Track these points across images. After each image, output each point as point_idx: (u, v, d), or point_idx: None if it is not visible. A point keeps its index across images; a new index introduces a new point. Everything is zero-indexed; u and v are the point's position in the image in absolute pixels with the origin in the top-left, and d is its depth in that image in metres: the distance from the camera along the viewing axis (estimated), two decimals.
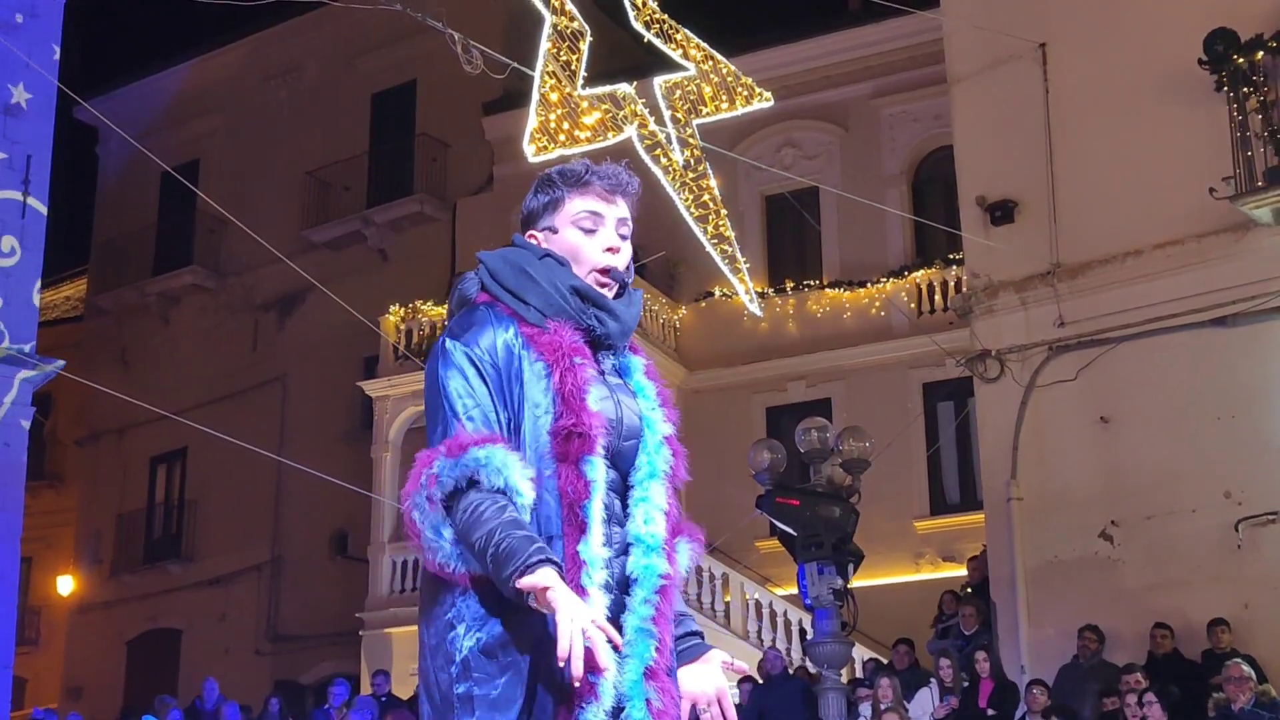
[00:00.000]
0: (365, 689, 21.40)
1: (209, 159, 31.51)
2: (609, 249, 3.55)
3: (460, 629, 3.29)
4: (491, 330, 3.41)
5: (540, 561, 3.08)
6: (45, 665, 31.15)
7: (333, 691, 18.07)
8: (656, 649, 3.34)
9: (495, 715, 3.26)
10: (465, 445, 3.22)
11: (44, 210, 21.73)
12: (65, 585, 31.47)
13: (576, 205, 3.56)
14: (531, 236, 3.60)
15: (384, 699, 18.21)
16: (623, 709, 3.27)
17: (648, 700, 3.29)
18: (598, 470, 3.34)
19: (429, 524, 3.23)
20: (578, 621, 3.05)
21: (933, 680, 14.61)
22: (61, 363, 21.36)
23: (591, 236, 3.56)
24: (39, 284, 21.75)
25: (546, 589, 3.06)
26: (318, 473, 18.91)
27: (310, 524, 27.74)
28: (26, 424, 20.97)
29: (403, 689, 19.66)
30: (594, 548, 3.30)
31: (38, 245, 21.45)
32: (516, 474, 3.21)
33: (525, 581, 3.06)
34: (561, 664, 3.05)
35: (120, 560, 30.72)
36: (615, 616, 3.32)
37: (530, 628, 3.26)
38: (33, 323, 21.43)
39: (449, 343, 3.41)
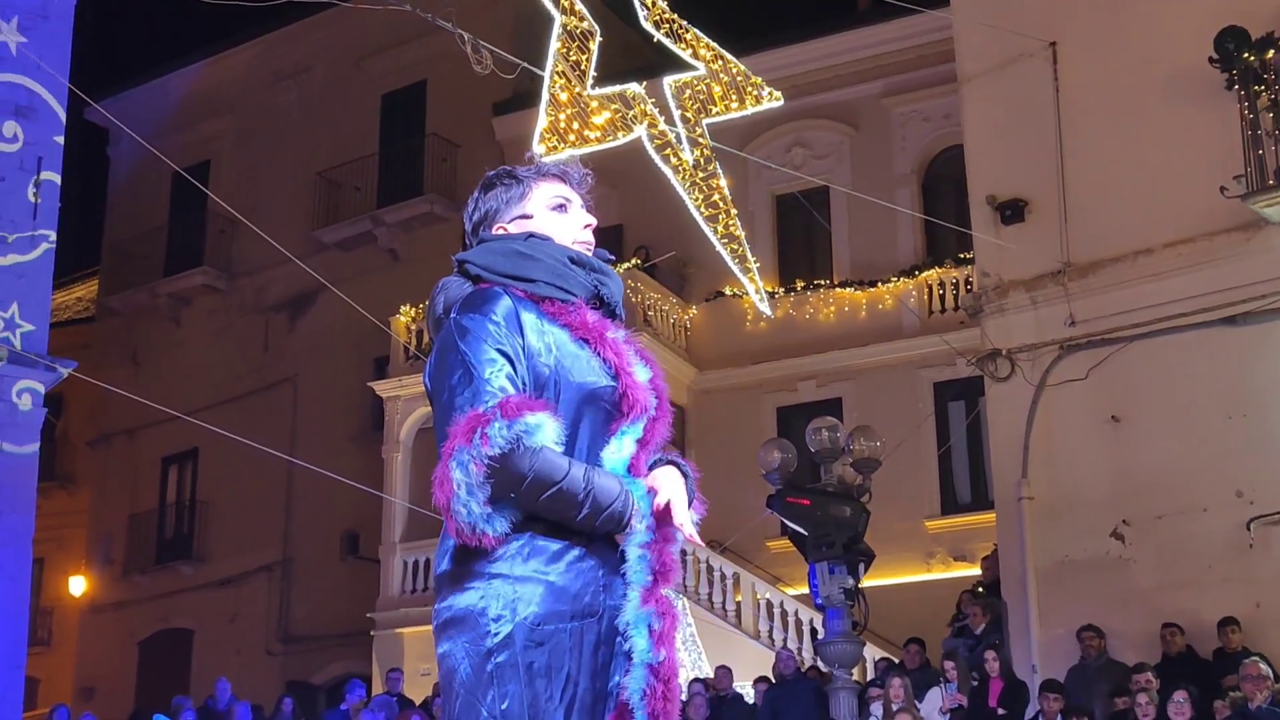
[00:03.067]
0: (377, 688, 21.42)
1: (219, 160, 31.57)
2: (585, 225, 3.70)
3: (494, 602, 3.30)
4: (509, 302, 3.44)
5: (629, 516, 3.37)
6: (57, 665, 31.20)
7: (349, 694, 18.08)
8: (652, 571, 3.40)
9: (538, 683, 3.28)
10: (520, 409, 3.24)
11: (55, 211, 21.81)
12: (77, 586, 31.53)
13: (545, 190, 3.70)
14: (500, 229, 3.67)
15: (396, 698, 18.23)
16: (626, 636, 3.36)
17: (649, 627, 3.36)
18: (624, 442, 3.49)
19: (465, 484, 3.22)
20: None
21: (942, 680, 14.59)
22: (73, 364, 21.42)
23: (565, 215, 3.69)
24: (50, 285, 21.84)
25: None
26: (329, 473, 18.93)
27: (321, 524, 27.77)
28: (38, 425, 21.03)
29: (414, 690, 19.67)
30: None
31: (49, 246, 21.51)
32: (553, 442, 3.27)
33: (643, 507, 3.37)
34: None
35: (132, 561, 30.78)
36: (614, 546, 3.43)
37: (564, 600, 3.31)
38: (44, 323, 21.48)
39: (465, 318, 3.42)
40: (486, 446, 3.19)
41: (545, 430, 3.24)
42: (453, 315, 3.48)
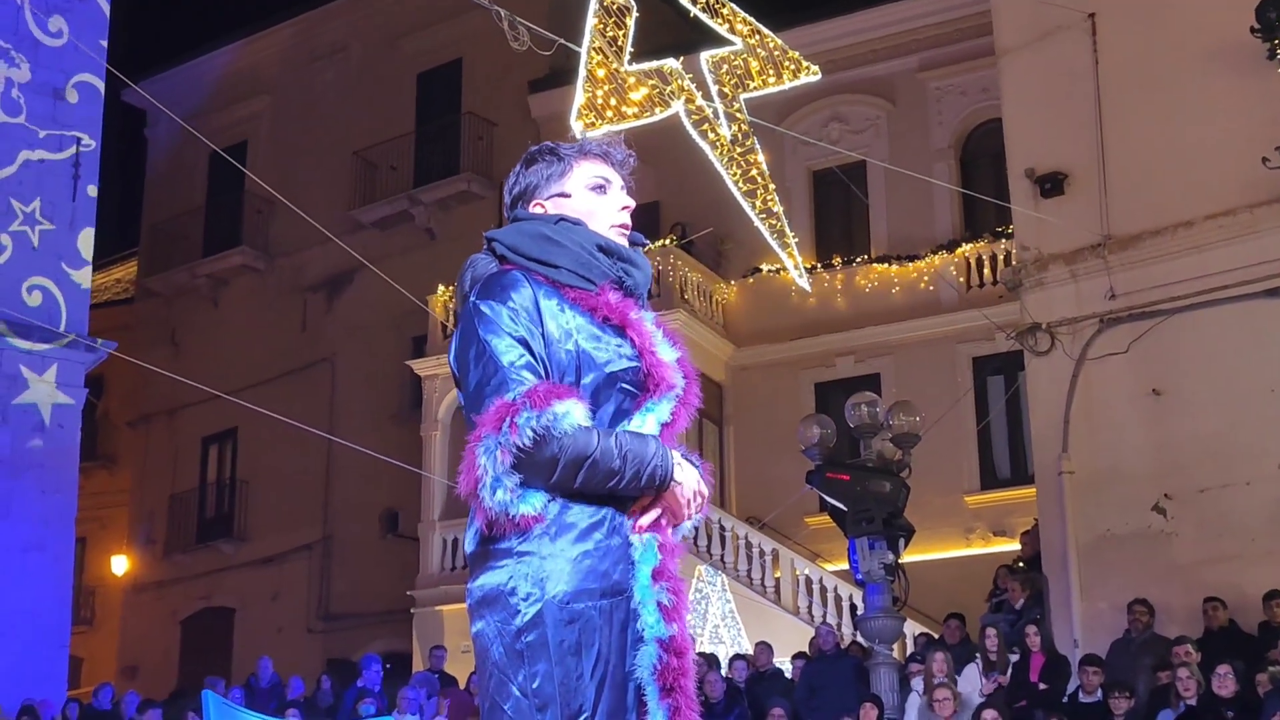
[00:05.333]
0: (418, 665, 21.50)
1: (257, 140, 31.65)
2: (622, 207, 3.68)
3: (522, 582, 3.32)
4: (529, 289, 3.44)
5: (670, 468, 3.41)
6: (101, 644, 31.44)
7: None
8: (660, 548, 3.42)
9: (569, 661, 3.29)
10: (548, 398, 3.26)
11: (94, 193, 21.91)
12: (119, 565, 31.74)
13: (586, 170, 3.68)
14: (538, 206, 3.67)
15: (438, 675, 18.27)
16: (637, 615, 3.37)
17: (659, 603, 3.38)
18: (647, 420, 3.50)
19: (492, 472, 3.25)
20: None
21: (978, 655, 14.56)
22: (113, 344, 21.54)
23: (604, 195, 3.67)
24: (90, 266, 21.98)
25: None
26: (368, 451, 18.99)
27: (361, 503, 27.87)
28: (79, 406, 21.18)
29: (455, 667, 19.74)
30: None
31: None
32: (582, 422, 3.30)
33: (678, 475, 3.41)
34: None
35: (173, 540, 30.98)
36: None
37: (593, 578, 3.33)
38: (84, 305, 21.60)
39: (484, 304, 3.43)
40: (515, 436, 3.22)
41: (573, 416, 3.26)
42: (471, 298, 3.49)
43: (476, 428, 3.28)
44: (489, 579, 3.37)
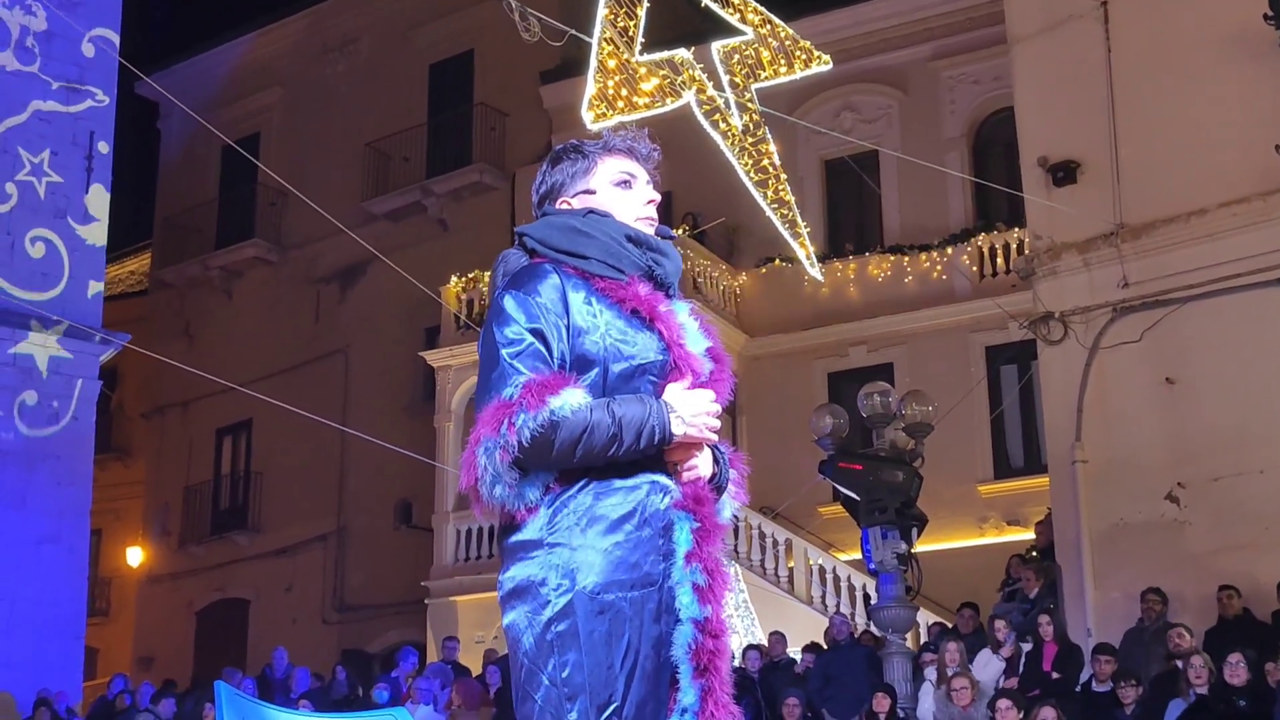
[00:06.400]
0: (432, 656, 21.54)
1: (269, 132, 31.69)
2: (648, 201, 3.71)
3: (552, 573, 3.35)
4: (556, 279, 3.47)
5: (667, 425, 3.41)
6: (117, 635, 31.54)
7: (403, 661, 18.18)
8: (694, 531, 3.45)
9: (599, 651, 3.32)
10: (542, 395, 3.29)
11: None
12: (134, 557, 31.83)
13: (611, 166, 3.72)
14: (564, 203, 3.71)
15: (452, 665, 18.32)
16: (670, 602, 3.40)
17: (694, 584, 3.42)
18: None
19: (491, 470, 3.31)
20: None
21: (991, 644, 14.55)
22: (126, 336, 21.56)
23: (629, 190, 3.70)
24: (104, 259, 21.99)
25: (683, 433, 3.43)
26: (381, 442, 19.02)
27: (375, 494, 27.93)
28: (93, 399, 21.22)
29: (468, 658, 19.78)
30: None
31: (102, 220, 21.64)
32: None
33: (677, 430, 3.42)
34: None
35: (188, 531, 31.05)
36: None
37: (623, 569, 3.36)
38: (98, 298, 21.60)
39: (504, 296, 3.47)
40: (514, 436, 3.27)
41: (567, 406, 3.30)
42: (497, 291, 3.53)
43: (476, 427, 3.33)
44: (520, 571, 3.40)
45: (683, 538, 3.43)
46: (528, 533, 3.38)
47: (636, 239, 3.60)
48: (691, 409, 3.45)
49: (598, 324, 3.45)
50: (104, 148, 21.54)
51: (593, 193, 3.69)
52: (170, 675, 25.45)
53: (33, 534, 20.08)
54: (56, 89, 21.16)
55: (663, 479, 3.46)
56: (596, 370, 3.42)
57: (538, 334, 3.39)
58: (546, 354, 3.39)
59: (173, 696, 18.60)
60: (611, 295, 3.49)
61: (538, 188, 3.77)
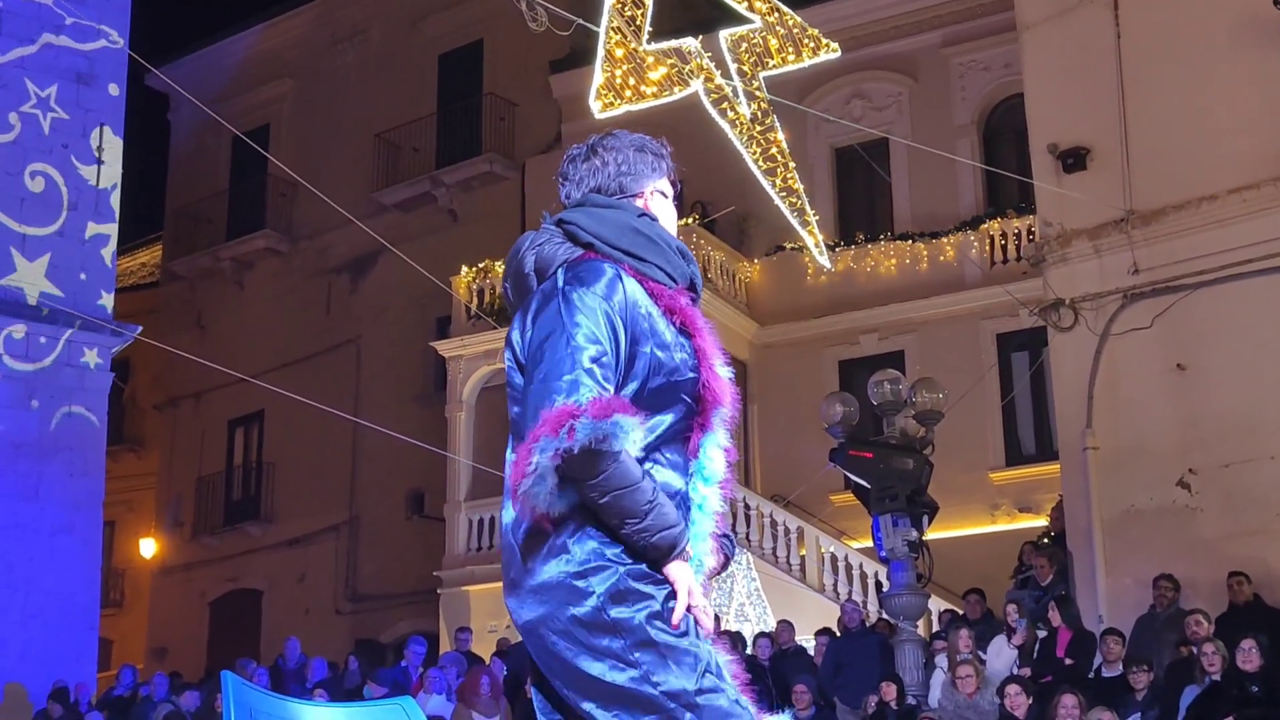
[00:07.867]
0: (444, 646, 21.59)
1: (279, 123, 31.72)
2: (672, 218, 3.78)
3: (578, 568, 3.35)
4: (631, 284, 3.48)
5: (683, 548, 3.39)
6: (130, 626, 31.64)
7: (411, 651, 18.18)
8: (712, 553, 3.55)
9: (625, 636, 3.33)
10: (611, 410, 3.25)
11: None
12: (148, 548, 31.91)
13: (663, 180, 3.80)
14: (639, 198, 3.72)
15: (465, 655, 18.34)
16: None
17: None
18: (715, 455, 3.60)
19: (540, 470, 3.26)
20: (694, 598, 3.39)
21: (1005, 630, 14.55)
22: (138, 328, 21.59)
23: (667, 202, 3.78)
24: (115, 251, 22.01)
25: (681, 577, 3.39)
26: (393, 433, 19.05)
27: (387, 484, 27.97)
28: (105, 390, 21.25)
29: (480, 647, 19.81)
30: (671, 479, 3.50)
31: (112, 213, 21.64)
32: (634, 446, 3.31)
33: (673, 568, 3.37)
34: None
35: (201, 522, 31.13)
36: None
37: (647, 578, 3.38)
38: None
39: (577, 292, 3.43)
40: (570, 440, 3.22)
41: (630, 435, 3.28)
42: (562, 285, 3.47)
43: (538, 424, 3.27)
44: (553, 568, 3.39)
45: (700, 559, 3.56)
46: (552, 536, 3.39)
47: (682, 251, 3.65)
48: (687, 591, 3.40)
49: (649, 333, 3.45)
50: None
51: (665, 196, 3.77)
52: (184, 666, 25.56)
53: (47, 525, 20.13)
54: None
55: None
56: (636, 384, 3.42)
57: (610, 341, 3.38)
58: (615, 365, 3.38)
59: (196, 689, 18.61)
60: (660, 302, 3.50)
61: (598, 167, 3.73)
